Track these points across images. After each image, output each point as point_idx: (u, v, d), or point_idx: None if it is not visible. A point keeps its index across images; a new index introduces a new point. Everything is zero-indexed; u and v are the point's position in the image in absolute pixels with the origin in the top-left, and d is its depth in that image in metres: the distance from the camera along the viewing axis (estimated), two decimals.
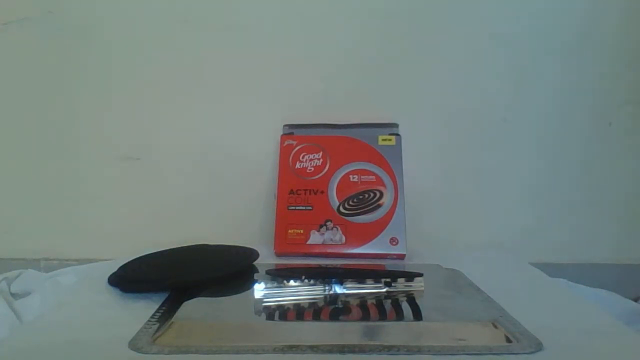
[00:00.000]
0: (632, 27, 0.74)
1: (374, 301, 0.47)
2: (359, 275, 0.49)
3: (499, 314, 0.44)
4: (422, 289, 0.48)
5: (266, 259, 0.62)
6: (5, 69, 0.76)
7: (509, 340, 0.39)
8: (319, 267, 0.61)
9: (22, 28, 0.74)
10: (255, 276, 0.55)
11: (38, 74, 0.75)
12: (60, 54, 0.75)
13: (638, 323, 0.48)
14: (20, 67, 0.76)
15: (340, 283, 0.48)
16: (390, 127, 0.72)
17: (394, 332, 0.41)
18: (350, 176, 0.69)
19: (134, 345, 0.38)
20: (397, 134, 0.71)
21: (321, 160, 0.70)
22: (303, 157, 0.71)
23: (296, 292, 0.47)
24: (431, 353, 0.37)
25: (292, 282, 0.47)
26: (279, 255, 0.67)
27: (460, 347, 0.38)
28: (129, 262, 0.56)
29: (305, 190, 0.69)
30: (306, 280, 0.47)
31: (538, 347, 0.38)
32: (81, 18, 0.74)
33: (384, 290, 0.48)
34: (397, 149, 0.70)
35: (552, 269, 0.61)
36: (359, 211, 0.68)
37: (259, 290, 0.46)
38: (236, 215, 0.76)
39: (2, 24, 0.74)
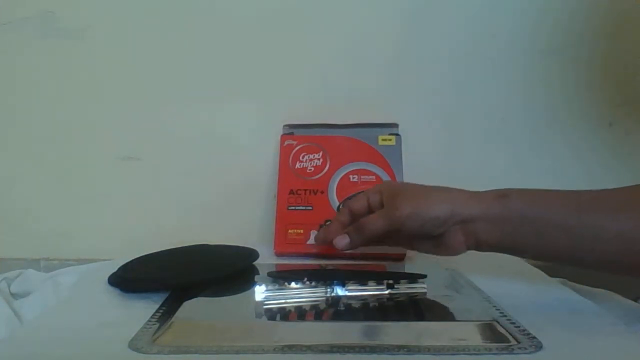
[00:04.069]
0: (632, 27, 0.74)
1: (376, 303, 0.47)
2: (361, 277, 0.49)
3: (499, 314, 0.44)
4: (425, 290, 0.48)
5: (266, 259, 0.62)
6: (5, 69, 0.76)
7: (508, 340, 0.39)
8: (321, 268, 0.61)
9: (22, 28, 0.74)
10: (256, 277, 0.55)
11: (38, 74, 0.75)
12: (61, 54, 0.75)
13: (638, 323, 0.48)
14: (20, 67, 0.76)
15: (342, 285, 0.48)
16: (390, 127, 0.72)
17: (394, 332, 0.41)
18: (350, 176, 0.69)
19: (134, 345, 0.38)
20: (397, 134, 0.71)
21: (321, 160, 0.70)
22: (303, 157, 0.71)
23: (297, 294, 0.47)
24: (431, 353, 0.37)
25: (293, 284, 0.47)
26: (278, 255, 0.66)
27: (460, 347, 0.38)
28: (129, 262, 0.56)
29: (305, 190, 0.69)
30: (307, 282, 0.47)
31: (538, 347, 0.38)
32: (82, 18, 0.74)
33: (386, 292, 0.48)
34: (397, 149, 0.70)
35: (552, 269, 0.61)
36: None
37: (260, 291, 0.46)
38: (236, 215, 0.76)
39: (2, 24, 0.74)
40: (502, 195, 0.46)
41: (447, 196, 0.47)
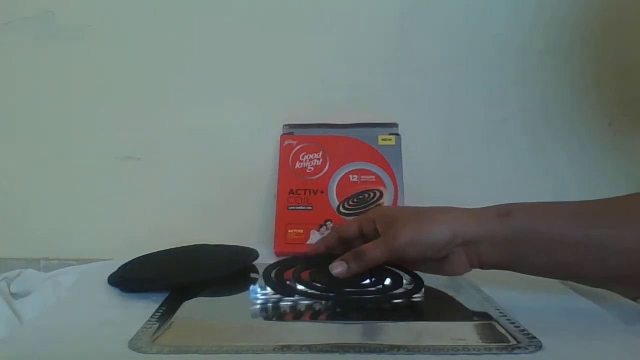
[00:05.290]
0: (632, 27, 0.74)
1: (374, 303, 0.47)
2: (359, 279, 0.49)
3: (499, 314, 0.44)
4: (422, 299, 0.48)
5: (266, 259, 0.62)
6: (5, 69, 0.76)
7: (508, 341, 0.39)
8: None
9: (22, 28, 0.74)
10: (255, 277, 0.55)
11: (38, 74, 0.75)
12: (61, 54, 0.75)
13: (638, 323, 0.48)
14: (20, 67, 0.76)
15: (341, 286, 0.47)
16: (390, 127, 0.72)
17: (394, 332, 0.41)
18: (350, 176, 0.69)
19: (134, 345, 0.38)
20: (397, 134, 0.71)
21: (321, 160, 0.70)
22: (303, 157, 0.71)
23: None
24: (431, 353, 0.37)
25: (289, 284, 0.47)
26: (278, 255, 0.66)
27: (460, 347, 0.38)
28: (129, 262, 0.56)
29: (305, 190, 0.69)
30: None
31: (538, 347, 0.38)
32: (81, 18, 0.74)
33: (384, 293, 0.48)
34: (397, 149, 0.70)
35: None
36: (359, 211, 0.68)
37: (258, 293, 0.46)
38: (236, 215, 0.76)
39: (2, 24, 0.74)
40: (505, 213, 0.43)
41: (447, 218, 0.44)
